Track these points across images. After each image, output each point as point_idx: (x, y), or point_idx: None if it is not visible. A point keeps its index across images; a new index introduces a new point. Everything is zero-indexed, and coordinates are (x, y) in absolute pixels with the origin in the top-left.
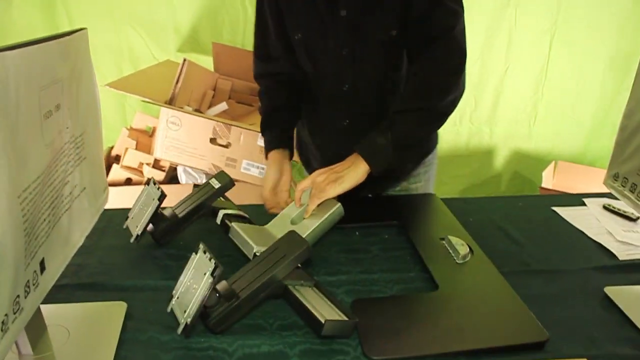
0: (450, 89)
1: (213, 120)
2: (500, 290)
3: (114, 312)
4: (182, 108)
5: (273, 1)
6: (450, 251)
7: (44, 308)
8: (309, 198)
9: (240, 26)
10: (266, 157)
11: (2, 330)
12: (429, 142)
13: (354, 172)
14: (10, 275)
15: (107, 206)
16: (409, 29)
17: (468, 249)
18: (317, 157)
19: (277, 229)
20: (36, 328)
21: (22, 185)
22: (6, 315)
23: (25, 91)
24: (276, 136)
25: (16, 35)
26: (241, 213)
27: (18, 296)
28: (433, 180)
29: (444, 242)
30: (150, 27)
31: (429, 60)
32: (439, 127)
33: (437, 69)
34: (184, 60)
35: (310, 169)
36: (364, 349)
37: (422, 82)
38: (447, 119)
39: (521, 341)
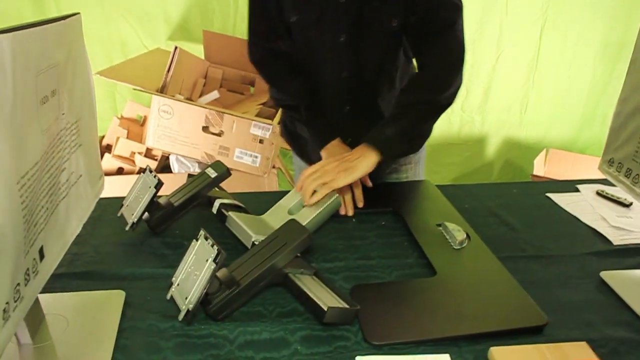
0: (453, 82)
1: (205, 108)
2: (498, 275)
3: (112, 300)
4: (173, 96)
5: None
6: (447, 237)
7: (42, 297)
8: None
9: (230, 14)
10: (320, 148)
11: (3, 318)
12: None
13: (364, 162)
14: (10, 262)
15: (102, 194)
16: (411, 22)
17: (465, 235)
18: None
19: (274, 218)
20: (34, 317)
21: (21, 172)
22: (7, 303)
23: (22, 75)
24: (326, 125)
25: (2, 24)
26: (237, 203)
27: (18, 284)
28: (423, 162)
29: (440, 228)
30: (141, 16)
31: (432, 56)
32: (439, 117)
33: (440, 63)
34: (175, 48)
35: (306, 158)
36: (365, 334)
37: (426, 76)
38: (448, 109)
39: (520, 325)
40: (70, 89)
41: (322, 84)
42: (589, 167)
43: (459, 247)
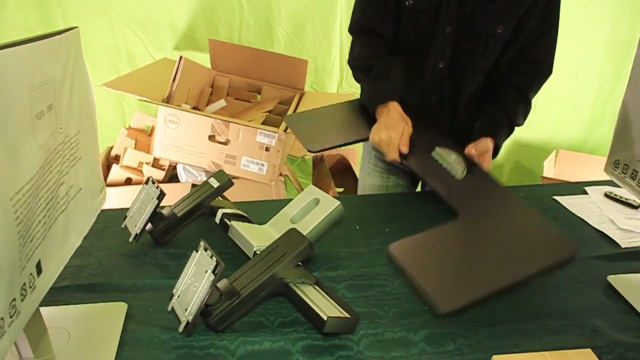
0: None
1: (211, 117)
2: (516, 208)
3: (114, 312)
4: (179, 106)
5: None
6: (446, 167)
7: (44, 310)
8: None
9: (236, 22)
10: (375, 106)
11: None
12: None
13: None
14: (5, 279)
15: (107, 206)
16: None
17: (464, 164)
18: None
19: (277, 227)
20: (36, 331)
21: (15, 188)
22: (2, 319)
23: (15, 91)
24: (393, 86)
25: (11, 36)
26: (240, 212)
27: (14, 299)
28: None
29: (434, 156)
30: (146, 26)
31: (532, 85)
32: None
33: (534, 80)
34: (180, 57)
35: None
36: (438, 305)
37: (524, 101)
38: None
39: (556, 260)
40: (68, 103)
41: (417, 70)
42: (599, 168)
43: (462, 177)
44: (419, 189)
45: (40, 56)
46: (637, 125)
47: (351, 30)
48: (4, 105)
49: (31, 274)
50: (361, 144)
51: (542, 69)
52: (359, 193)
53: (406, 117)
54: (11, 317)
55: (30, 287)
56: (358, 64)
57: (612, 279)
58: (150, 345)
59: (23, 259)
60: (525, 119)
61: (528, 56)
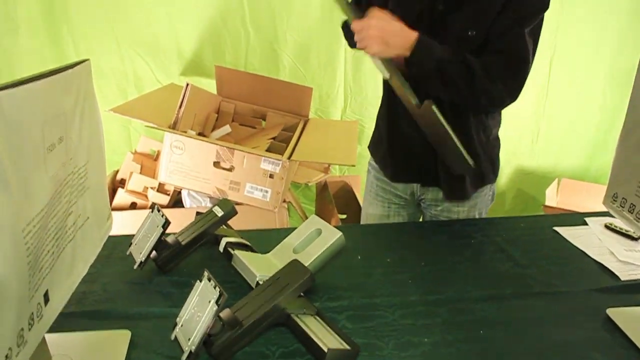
0: (504, 92)
1: (216, 144)
2: None
3: (117, 341)
4: (185, 132)
5: None
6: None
7: (49, 337)
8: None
9: (242, 49)
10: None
11: None
12: (483, 170)
13: (401, 43)
14: (13, 310)
15: (112, 231)
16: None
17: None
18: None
19: (279, 257)
20: (41, 358)
21: (26, 219)
22: (10, 349)
23: (28, 127)
24: None
25: (23, 62)
26: (243, 241)
27: (22, 329)
28: (481, 212)
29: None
30: (154, 52)
31: (498, 62)
32: (454, 101)
33: (502, 73)
34: (187, 84)
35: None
36: None
37: (494, 64)
38: (473, 107)
39: None
40: (78, 133)
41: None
42: (602, 197)
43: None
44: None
45: (53, 91)
46: (634, 159)
47: None
48: (18, 140)
49: (39, 303)
50: (364, 173)
51: (508, 59)
52: (362, 222)
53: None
54: (19, 346)
55: (37, 317)
56: None
57: (612, 312)
58: None
59: (32, 289)
60: (466, 82)
61: (493, 48)
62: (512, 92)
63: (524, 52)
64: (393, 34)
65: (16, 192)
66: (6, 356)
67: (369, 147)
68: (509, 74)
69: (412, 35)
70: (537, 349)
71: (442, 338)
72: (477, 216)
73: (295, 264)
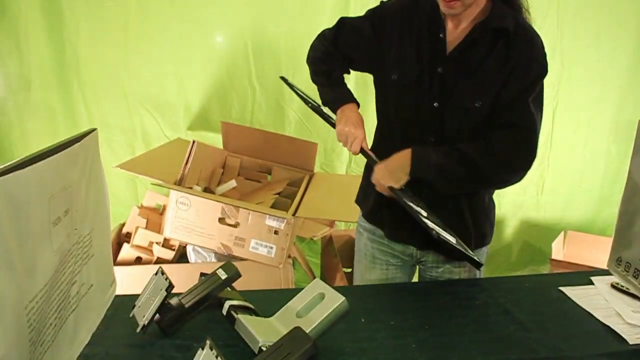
0: (512, 175)
1: (221, 201)
2: None
3: None
4: (191, 188)
5: (374, 34)
6: None
7: None
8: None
9: (248, 104)
10: (336, 109)
11: None
12: (485, 231)
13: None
14: None
15: (117, 290)
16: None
17: None
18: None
19: (282, 321)
20: None
21: (29, 296)
22: None
23: (34, 204)
24: (349, 92)
25: (34, 117)
26: (247, 304)
27: None
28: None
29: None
30: (162, 107)
31: (506, 138)
32: (469, 190)
33: (514, 151)
34: (193, 142)
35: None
36: None
37: (497, 149)
38: (489, 188)
39: None
40: (84, 203)
41: (406, 144)
42: (609, 249)
43: None
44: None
45: (60, 166)
46: (636, 226)
47: (322, 32)
48: (25, 219)
49: None
50: (354, 241)
51: (516, 133)
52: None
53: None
54: None
55: None
56: (320, 55)
57: None
58: None
59: None
60: (488, 154)
61: (501, 121)
62: (524, 164)
63: (531, 123)
64: (391, 161)
65: (20, 271)
66: None
67: (356, 200)
68: (518, 147)
69: (407, 152)
70: None
71: None
72: (477, 275)
73: (297, 332)
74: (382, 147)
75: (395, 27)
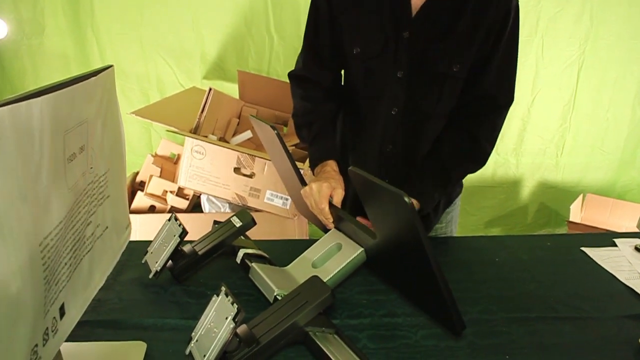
0: (489, 153)
1: (237, 150)
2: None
3: (133, 352)
4: (206, 137)
5: (329, 14)
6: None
7: (64, 346)
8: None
9: (265, 55)
10: (314, 166)
11: None
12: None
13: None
14: (28, 326)
15: (130, 237)
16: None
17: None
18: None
19: (298, 271)
20: None
21: (44, 233)
22: None
23: (49, 137)
24: (332, 146)
25: (48, 63)
26: (261, 253)
27: (36, 345)
28: (456, 221)
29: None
30: (178, 56)
31: (481, 128)
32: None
33: (487, 140)
34: (210, 89)
35: None
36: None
37: (474, 148)
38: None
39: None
40: (99, 141)
41: (372, 119)
42: (627, 214)
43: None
44: None
45: (76, 99)
46: None
47: (289, 76)
48: (39, 151)
49: (54, 317)
50: None
51: (494, 104)
52: None
53: (340, 177)
54: None
55: (52, 331)
56: (299, 120)
57: None
58: None
59: (47, 303)
60: (478, 163)
61: (477, 92)
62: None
63: (510, 97)
64: None
65: (35, 205)
66: None
67: None
68: (495, 122)
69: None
70: None
71: None
72: (453, 227)
73: (314, 281)
74: (349, 124)
75: None
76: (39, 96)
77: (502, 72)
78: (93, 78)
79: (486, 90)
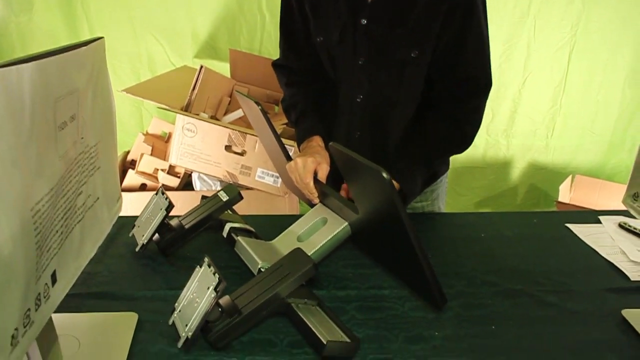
0: (473, 136)
1: (228, 127)
2: None
3: (124, 323)
4: (197, 115)
5: (300, 5)
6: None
7: (55, 317)
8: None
9: (257, 33)
10: (300, 144)
11: (12, 344)
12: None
13: None
14: (21, 289)
15: (121, 213)
16: (437, 61)
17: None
18: None
19: (283, 245)
20: (47, 339)
21: (35, 198)
22: (16, 329)
23: (40, 103)
24: (317, 123)
25: (37, 41)
26: (247, 227)
27: (29, 309)
28: (443, 198)
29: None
30: (169, 34)
31: (462, 112)
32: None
33: (470, 123)
34: (201, 67)
35: None
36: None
37: (455, 133)
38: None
39: None
40: (90, 112)
41: (341, 105)
42: (616, 195)
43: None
44: None
45: (67, 67)
46: None
47: (273, 65)
48: (30, 117)
49: (46, 284)
50: None
51: (476, 86)
52: None
53: (325, 152)
54: (25, 327)
55: (44, 297)
56: (286, 104)
57: (627, 313)
58: (159, 358)
59: (39, 269)
60: (460, 146)
61: (458, 76)
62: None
63: (490, 73)
64: None
65: (26, 171)
66: (12, 336)
67: None
68: (478, 104)
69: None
70: (550, 348)
71: (453, 332)
72: (441, 204)
73: (297, 253)
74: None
75: None
76: (27, 62)
77: (477, 52)
78: (84, 47)
79: (468, 72)
